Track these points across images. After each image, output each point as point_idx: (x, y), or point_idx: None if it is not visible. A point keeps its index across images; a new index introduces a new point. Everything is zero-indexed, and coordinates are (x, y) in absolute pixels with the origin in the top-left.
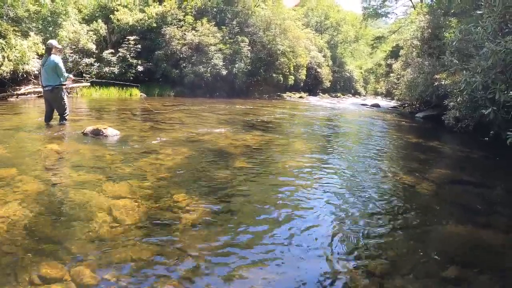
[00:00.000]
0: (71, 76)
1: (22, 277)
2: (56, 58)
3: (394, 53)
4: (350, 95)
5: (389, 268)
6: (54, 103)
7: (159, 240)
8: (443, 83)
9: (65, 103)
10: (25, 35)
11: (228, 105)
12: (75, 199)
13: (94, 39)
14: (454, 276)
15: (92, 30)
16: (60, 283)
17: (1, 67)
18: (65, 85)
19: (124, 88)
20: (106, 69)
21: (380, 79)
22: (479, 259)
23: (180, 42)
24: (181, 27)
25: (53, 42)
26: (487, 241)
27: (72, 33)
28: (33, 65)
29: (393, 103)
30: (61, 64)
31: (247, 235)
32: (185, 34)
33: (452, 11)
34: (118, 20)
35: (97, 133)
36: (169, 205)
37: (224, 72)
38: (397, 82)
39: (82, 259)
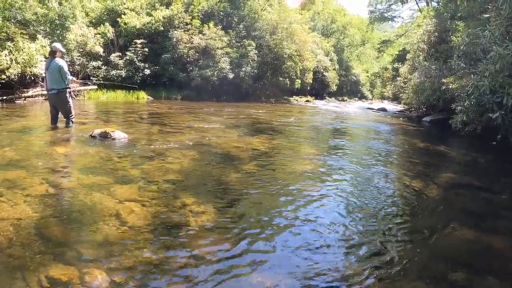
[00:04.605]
0: (74, 79)
1: (31, 279)
2: (60, 61)
3: (401, 57)
4: (357, 99)
5: (396, 272)
6: (59, 106)
7: (168, 243)
8: (450, 87)
9: (71, 106)
10: (33, 38)
11: (235, 108)
12: (83, 201)
13: (101, 42)
14: (461, 280)
15: (99, 34)
16: (69, 285)
17: (9, 70)
18: (69, 88)
19: (131, 91)
20: (113, 72)
21: (387, 83)
22: (486, 263)
23: (187, 45)
24: (188, 30)
25: (58, 45)
26: (494, 246)
27: (80, 36)
28: (41, 68)
29: (399, 107)
30: (65, 68)
31: (255, 239)
32: (192, 37)
33: (459, 14)
34: (125, 23)
35: (105, 136)
36: (178, 208)
37: (231, 76)
38: (404, 86)
39: (91, 261)
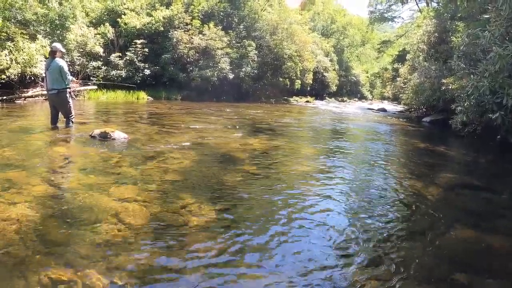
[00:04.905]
0: (74, 79)
1: (31, 279)
2: (60, 61)
3: (401, 57)
4: (357, 99)
5: (397, 273)
6: (59, 106)
7: (166, 243)
8: (450, 87)
9: (71, 106)
10: (33, 38)
11: (234, 109)
12: (83, 201)
13: (101, 42)
14: (461, 280)
15: (99, 34)
16: (69, 285)
17: (9, 70)
18: (70, 88)
19: (131, 91)
20: (113, 72)
21: (387, 84)
22: (486, 263)
23: (187, 46)
24: (188, 30)
25: (58, 45)
26: (494, 246)
27: (80, 36)
28: (41, 68)
29: (399, 108)
30: (66, 68)
31: (254, 239)
32: (192, 38)
33: (459, 15)
34: (125, 23)
35: (104, 136)
36: (177, 209)
37: (231, 76)
38: (404, 86)
39: (91, 261)
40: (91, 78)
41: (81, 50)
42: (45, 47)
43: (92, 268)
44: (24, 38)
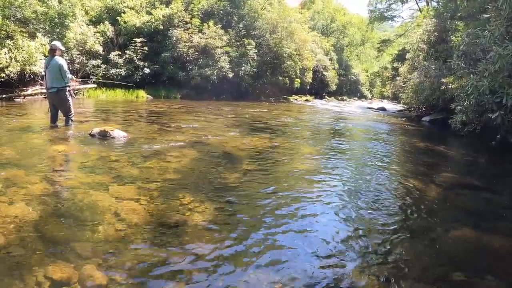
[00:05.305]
0: (74, 77)
1: (29, 278)
2: (60, 59)
3: (401, 57)
4: (356, 98)
5: (396, 272)
6: (59, 104)
7: (166, 242)
8: (449, 87)
9: (70, 105)
10: (33, 36)
11: (234, 107)
12: (82, 200)
13: (101, 41)
14: (461, 280)
15: (99, 32)
16: (68, 284)
17: (8, 68)
18: (69, 86)
19: (131, 90)
20: (113, 70)
21: (386, 83)
22: (485, 264)
23: (187, 44)
24: (187, 29)
25: (57, 43)
26: (493, 246)
27: (79, 34)
28: (40, 66)
29: (399, 107)
30: (65, 66)
31: (254, 238)
32: (191, 36)
33: (458, 14)
34: (125, 22)
35: (104, 135)
36: (176, 207)
37: (231, 75)
38: (404, 85)
39: (90, 260)
40: (91, 76)
41: (81, 48)
42: (44, 45)
43: (92, 266)
44: (23, 36)
